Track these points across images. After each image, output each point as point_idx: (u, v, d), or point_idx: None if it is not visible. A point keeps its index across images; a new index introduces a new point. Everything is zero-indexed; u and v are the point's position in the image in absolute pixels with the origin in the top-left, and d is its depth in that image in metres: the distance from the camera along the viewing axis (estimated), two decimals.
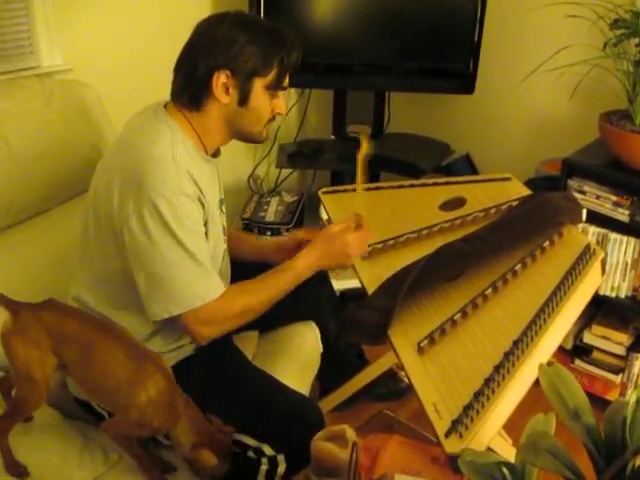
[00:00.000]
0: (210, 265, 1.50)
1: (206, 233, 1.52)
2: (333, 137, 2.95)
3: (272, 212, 2.80)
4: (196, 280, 1.46)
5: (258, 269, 1.65)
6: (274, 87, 1.52)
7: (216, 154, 1.63)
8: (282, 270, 1.60)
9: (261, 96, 1.51)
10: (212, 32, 1.46)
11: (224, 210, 1.69)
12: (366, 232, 1.67)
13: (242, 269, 1.78)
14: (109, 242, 1.48)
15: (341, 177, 2.89)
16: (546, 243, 1.63)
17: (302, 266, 1.61)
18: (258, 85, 1.49)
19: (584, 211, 1.76)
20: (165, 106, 1.54)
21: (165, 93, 1.54)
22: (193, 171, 1.46)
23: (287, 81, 1.55)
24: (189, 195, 1.43)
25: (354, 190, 2.09)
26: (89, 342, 1.40)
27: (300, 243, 1.84)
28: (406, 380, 2.19)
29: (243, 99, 1.50)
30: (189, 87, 1.49)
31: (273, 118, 1.58)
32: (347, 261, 1.67)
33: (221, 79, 1.46)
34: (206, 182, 1.52)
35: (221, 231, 1.62)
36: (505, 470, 0.94)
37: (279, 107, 1.57)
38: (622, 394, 2.32)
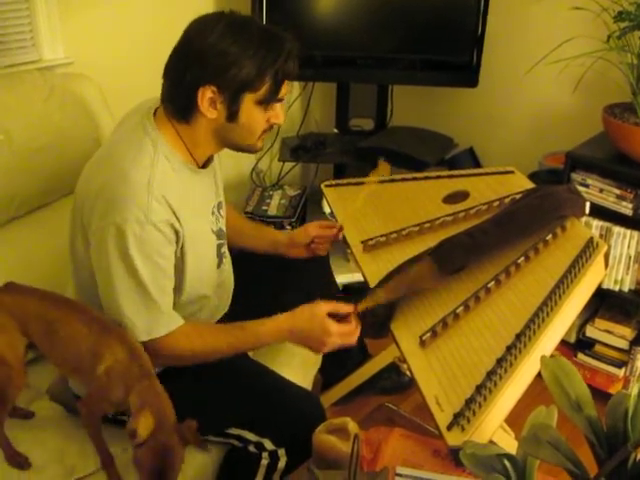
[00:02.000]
0: (167, 299, 1.44)
1: (182, 259, 1.47)
2: (336, 131, 2.95)
3: (275, 206, 2.79)
4: (144, 313, 1.41)
5: (265, 262, 1.64)
6: (267, 101, 1.43)
7: (208, 162, 1.57)
8: (243, 329, 1.53)
9: (252, 111, 1.42)
10: (201, 40, 1.36)
11: (222, 214, 1.66)
12: (354, 326, 1.52)
13: (249, 261, 1.78)
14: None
15: (344, 171, 2.88)
16: (549, 236, 1.62)
17: (268, 333, 1.53)
18: (248, 101, 1.40)
19: (587, 204, 1.75)
20: (156, 111, 1.48)
21: None
22: (172, 193, 1.40)
23: (283, 92, 1.46)
24: (156, 224, 1.36)
25: (357, 184, 2.09)
26: (52, 319, 1.41)
27: (312, 240, 1.83)
28: (408, 373, 2.19)
29: (232, 115, 1.42)
30: (175, 99, 1.43)
31: (270, 128, 1.51)
32: (320, 349, 1.53)
33: (207, 94, 1.37)
34: (192, 197, 1.48)
35: (213, 240, 1.58)
36: (506, 462, 0.94)
37: (275, 117, 1.48)
38: (625, 388, 2.32)
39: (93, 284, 1.49)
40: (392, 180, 2.08)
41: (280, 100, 1.47)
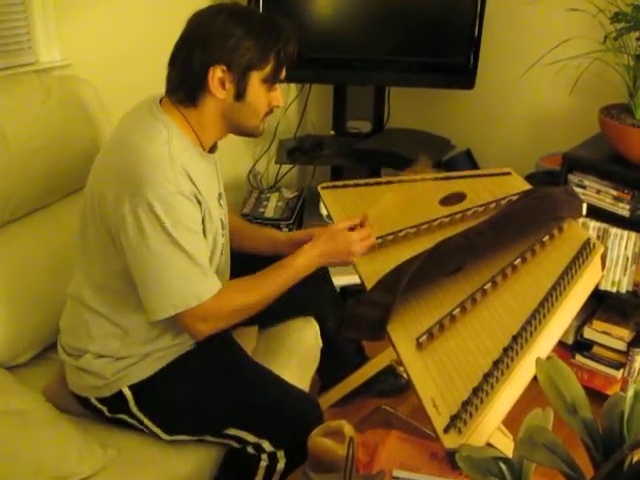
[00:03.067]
0: (208, 263, 1.50)
1: (204, 230, 1.51)
2: (333, 132, 2.94)
3: (272, 208, 2.79)
4: (192, 279, 1.45)
5: (264, 262, 1.65)
6: (271, 80, 1.49)
7: (213, 149, 1.61)
8: (281, 267, 1.60)
9: (258, 90, 1.49)
10: (207, 25, 1.43)
11: (223, 205, 1.68)
12: (369, 230, 1.68)
13: (247, 262, 1.78)
14: (108, 243, 1.47)
15: (341, 173, 2.88)
16: (546, 237, 1.62)
17: (302, 263, 1.61)
18: (255, 79, 1.47)
19: (584, 205, 1.75)
20: (160, 101, 1.51)
21: (163, 88, 1.53)
22: (190, 168, 1.45)
23: (284, 73, 1.53)
24: (185, 194, 1.42)
25: (354, 185, 2.09)
26: None
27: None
28: (405, 376, 2.19)
29: (240, 93, 1.48)
30: (184, 83, 1.47)
31: (271, 111, 1.57)
32: (349, 259, 1.68)
33: (217, 74, 1.43)
34: (203, 178, 1.51)
35: (219, 226, 1.61)
36: (502, 465, 0.93)
37: (276, 100, 1.55)
38: (623, 389, 2.32)
39: (106, 274, 1.52)
40: (389, 182, 2.07)
41: (282, 81, 1.54)
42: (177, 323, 1.50)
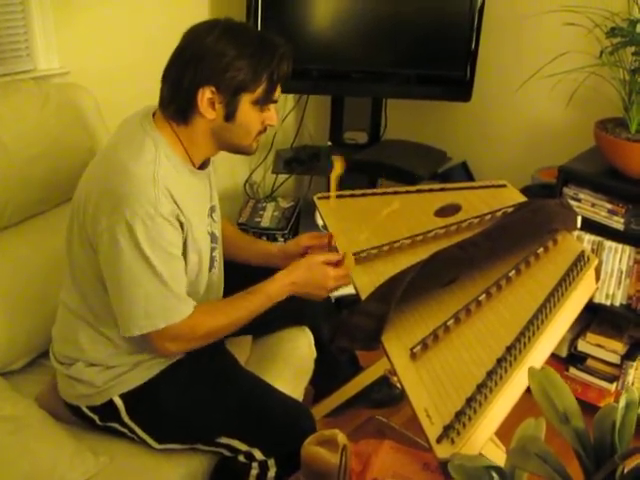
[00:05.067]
0: (182, 286, 1.48)
1: (185, 252, 1.49)
2: (330, 143, 2.95)
3: (268, 217, 2.80)
4: (162, 301, 1.44)
5: (259, 272, 1.65)
6: (263, 102, 1.48)
7: (205, 165, 1.60)
8: (253, 292, 1.59)
9: (249, 111, 1.47)
10: (199, 43, 1.41)
11: (216, 218, 1.67)
12: (347, 272, 1.65)
13: (242, 272, 1.78)
14: (92, 254, 1.47)
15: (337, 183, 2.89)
16: (540, 250, 1.62)
17: (275, 289, 1.60)
18: (245, 101, 1.45)
19: (579, 218, 1.76)
20: (154, 114, 1.51)
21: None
22: (174, 188, 1.43)
23: (278, 94, 1.51)
24: (165, 215, 1.40)
25: (350, 196, 2.09)
26: None
27: (305, 249, 1.84)
28: (399, 386, 2.18)
29: (229, 115, 1.46)
30: (175, 100, 1.46)
31: (264, 129, 1.55)
32: (322, 293, 1.65)
33: (206, 95, 1.42)
34: (191, 195, 1.50)
35: (209, 241, 1.60)
36: (494, 474, 0.93)
37: (270, 119, 1.53)
38: (616, 402, 2.31)
39: (90, 284, 1.51)
40: (384, 193, 2.08)
41: (274, 101, 1.52)
42: (146, 340, 1.49)
